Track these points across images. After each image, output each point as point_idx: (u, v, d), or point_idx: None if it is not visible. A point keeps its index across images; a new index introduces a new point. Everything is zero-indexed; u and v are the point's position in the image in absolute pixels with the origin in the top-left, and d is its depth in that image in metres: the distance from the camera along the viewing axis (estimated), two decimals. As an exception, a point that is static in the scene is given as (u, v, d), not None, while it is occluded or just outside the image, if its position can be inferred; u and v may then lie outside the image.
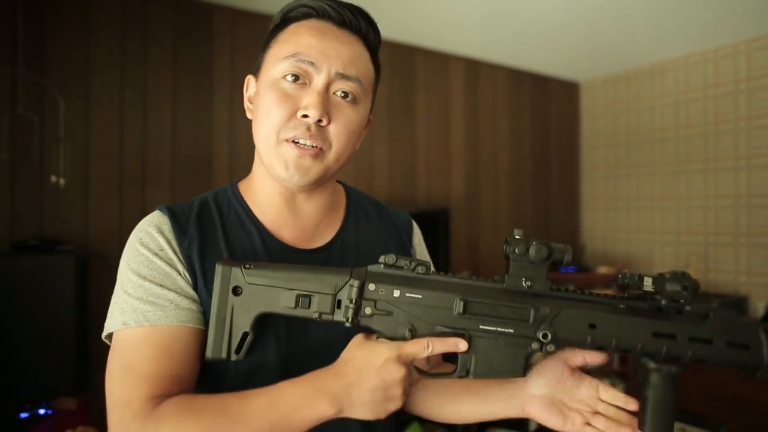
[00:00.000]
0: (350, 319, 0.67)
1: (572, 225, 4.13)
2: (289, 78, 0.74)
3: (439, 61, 3.44)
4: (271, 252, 0.78)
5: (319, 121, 0.73)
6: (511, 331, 0.66)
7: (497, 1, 2.66)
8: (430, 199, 3.38)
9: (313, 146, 0.74)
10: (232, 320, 0.68)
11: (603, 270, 3.49)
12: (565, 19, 2.88)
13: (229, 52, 2.70)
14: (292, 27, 0.77)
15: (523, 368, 0.68)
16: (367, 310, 0.67)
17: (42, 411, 1.84)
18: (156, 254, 0.72)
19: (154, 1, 2.50)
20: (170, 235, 0.74)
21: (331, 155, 0.76)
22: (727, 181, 3.28)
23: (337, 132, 0.75)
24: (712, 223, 3.35)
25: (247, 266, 0.68)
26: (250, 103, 0.82)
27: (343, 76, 0.75)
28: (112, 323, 0.70)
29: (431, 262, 0.83)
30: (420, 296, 0.67)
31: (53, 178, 2.21)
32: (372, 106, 0.84)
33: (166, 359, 0.67)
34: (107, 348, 0.72)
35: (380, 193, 3.17)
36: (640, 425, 0.69)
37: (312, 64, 0.73)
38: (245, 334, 0.68)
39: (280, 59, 0.74)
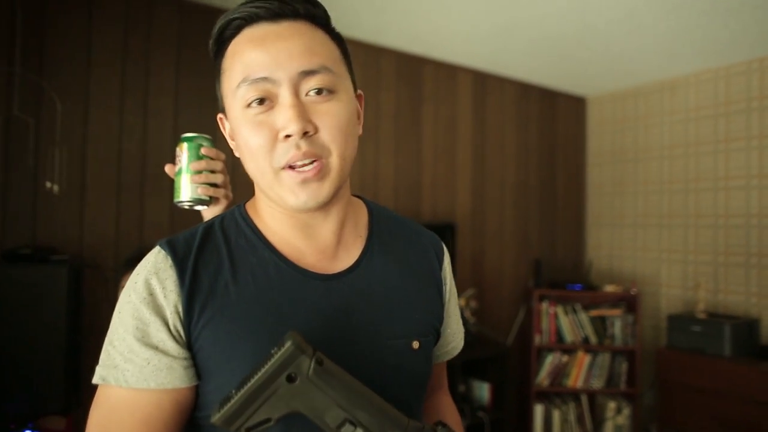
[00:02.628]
0: None
1: (578, 242, 4.06)
2: (254, 104, 0.65)
3: (447, 72, 3.38)
4: (286, 281, 0.69)
5: (306, 133, 0.64)
6: None
7: (507, 14, 2.61)
8: (435, 214, 3.30)
9: (311, 162, 0.65)
10: (266, 402, 0.57)
11: (609, 288, 3.42)
12: (576, 33, 2.83)
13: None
14: (230, 48, 0.69)
15: None
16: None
17: (28, 431, 1.74)
18: (144, 299, 0.65)
19: (158, 3, 2.43)
20: (165, 275, 0.66)
21: (334, 160, 0.67)
22: (738, 200, 3.23)
23: (329, 135, 0.66)
24: (721, 242, 3.29)
25: (319, 361, 0.58)
26: (233, 140, 0.74)
27: (307, 73, 0.65)
28: (96, 373, 0.66)
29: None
30: None
31: (48, 184, 2.11)
32: (353, 79, 0.74)
33: (143, 429, 0.63)
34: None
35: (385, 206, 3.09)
36: None
37: (266, 79, 0.64)
38: (267, 420, 0.58)
39: (233, 90, 0.67)
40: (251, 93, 0.65)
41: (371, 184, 3.06)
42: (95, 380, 0.65)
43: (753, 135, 3.17)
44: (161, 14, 2.44)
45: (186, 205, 1.02)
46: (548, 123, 3.90)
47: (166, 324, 0.65)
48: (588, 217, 4.11)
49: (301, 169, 0.65)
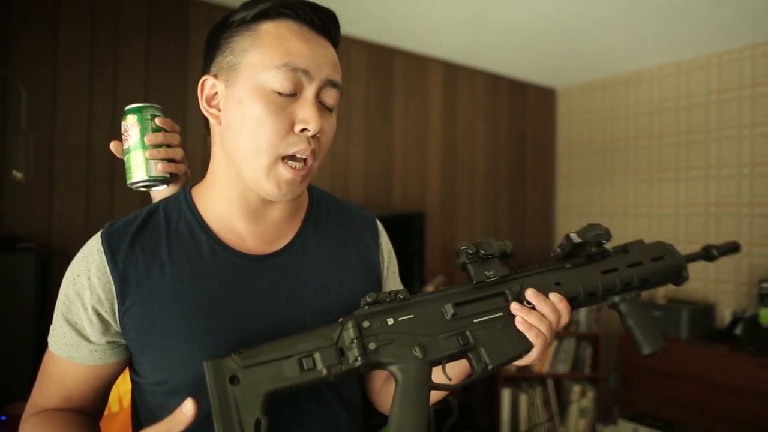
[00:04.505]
0: (359, 357, 0.65)
1: (547, 231, 4.16)
2: (283, 90, 0.69)
3: (418, 63, 3.43)
4: (220, 261, 0.74)
5: (317, 133, 0.71)
6: (501, 313, 0.73)
7: (478, 5, 2.66)
8: (405, 203, 3.36)
9: (304, 159, 0.71)
10: (239, 411, 0.60)
11: (576, 276, 3.51)
12: (544, 26, 2.90)
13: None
14: (269, 28, 0.71)
15: (528, 340, 0.72)
16: (371, 345, 0.66)
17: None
18: (72, 280, 0.73)
19: (127, -8, 2.43)
20: (92, 258, 0.72)
21: (315, 165, 0.74)
22: (697, 190, 3.34)
23: (324, 142, 0.74)
24: (682, 231, 3.41)
25: (239, 352, 0.63)
26: (211, 107, 0.74)
27: (331, 83, 0.73)
28: None
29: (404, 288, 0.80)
30: (412, 315, 0.70)
31: (14, 172, 2.11)
32: None
33: (58, 383, 0.75)
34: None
35: (355, 196, 3.13)
36: (639, 347, 0.78)
37: (305, 72, 0.70)
38: (258, 422, 0.60)
39: (268, 67, 0.69)
40: (287, 79, 0.69)
41: (341, 173, 3.10)
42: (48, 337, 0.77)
43: (711, 128, 3.28)
44: (130, 5, 2.44)
45: (142, 186, 0.89)
46: (518, 114, 3.98)
47: (84, 306, 0.72)
48: (557, 207, 4.21)
49: (294, 164, 0.71)
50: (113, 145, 0.93)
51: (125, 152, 0.88)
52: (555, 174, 4.23)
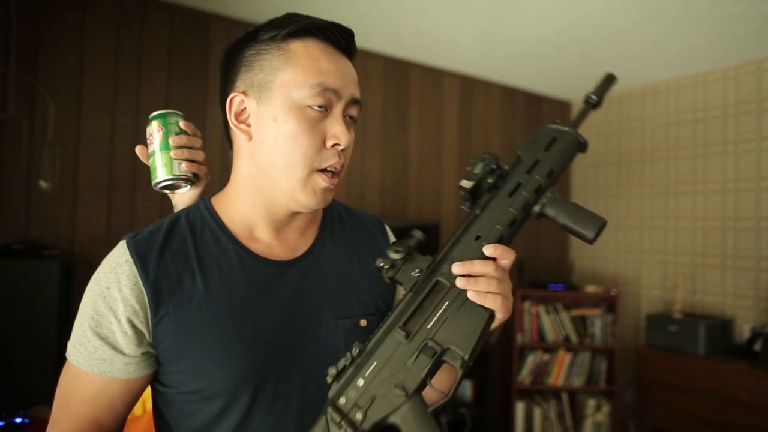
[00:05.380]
0: None
1: (561, 243, 4.15)
2: (316, 107, 0.73)
3: (434, 76, 3.46)
4: (248, 268, 0.77)
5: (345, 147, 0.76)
6: (447, 302, 0.69)
7: (493, 19, 2.69)
8: (421, 214, 3.38)
9: (335, 172, 0.76)
10: None
11: (591, 289, 3.50)
12: (560, 39, 2.92)
13: (224, 60, 2.69)
14: (300, 48, 0.74)
15: (483, 308, 0.69)
16: (358, 416, 0.65)
17: (18, 420, 1.80)
18: (101, 293, 0.72)
19: (150, 7, 2.50)
20: (121, 270, 0.72)
21: (342, 174, 0.79)
22: (715, 203, 3.32)
23: (347, 156, 0.78)
24: (699, 244, 3.38)
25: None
26: (240, 122, 0.77)
27: (356, 102, 0.77)
28: (67, 346, 0.75)
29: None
30: (375, 362, 0.68)
31: (41, 182, 2.18)
32: None
33: (89, 402, 0.73)
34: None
35: (371, 207, 3.16)
36: (583, 237, 0.72)
37: (335, 92, 0.74)
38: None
39: (302, 86, 0.72)
40: (320, 97, 0.73)
41: (357, 184, 3.13)
42: (66, 352, 0.75)
43: (729, 140, 3.26)
44: (154, 18, 2.51)
45: (166, 185, 0.91)
46: (533, 127, 3.99)
47: (118, 319, 0.71)
48: (572, 219, 4.19)
49: (327, 175, 0.75)
50: (139, 150, 0.96)
51: (150, 155, 0.91)
52: (570, 186, 4.22)
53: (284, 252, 0.81)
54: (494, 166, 0.76)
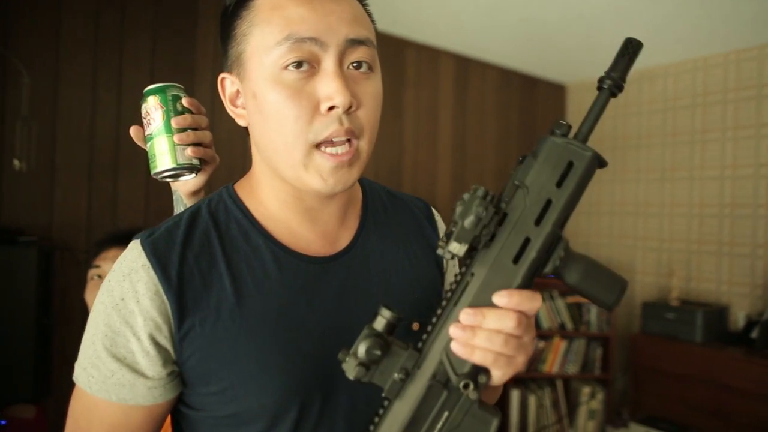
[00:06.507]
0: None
1: (554, 229, 4.10)
2: (292, 67, 0.58)
3: (430, 56, 3.34)
4: (284, 267, 0.64)
5: (349, 107, 0.59)
6: (447, 412, 0.56)
7: (496, -5, 2.58)
8: (415, 198, 3.28)
9: (347, 140, 0.60)
10: None
11: (586, 275, 3.46)
12: (561, 20, 2.82)
13: (214, 35, 2.53)
14: (263, 2, 0.60)
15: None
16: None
17: (-4, 420, 1.67)
18: (115, 305, 0.59)
19: (133, -26, 2.32)
20: (138, 277, 0.59)
21: (364, 144, 0.63)
22: (712, 190, 3.29)
23: (367, 115, 0.62)
24: (695, 231, 3.35)
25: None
26: (236, 107, 0.66)
27: (354, 42, 0.60)
28: (75, 368, 0.63)
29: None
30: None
31: (15, 162, 2.01)
32: None
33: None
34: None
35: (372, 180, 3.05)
36: (601, 304, 0.59)
37: (314, 40, 0.58)
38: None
39: (269, 47, 0.58)
40: (293, 53, 0.58)
41: (352, 167, 3.01)
42: (74, 376, 0.62)
43: (728, 126, 3.22)
44: (136, -14, 2.33)
45: (169, 176, 0.80)
46: (529, 110, 3.90)
47: (137, 336, 0.59)
48: (565, 205, 4.14)
49: (334, 150, 0.60)
50: (134, 131, 0.83)
51: (148, 139, 0.79)
52: (564, 171, 4.16)
53: (323, 246, 0.68)
54: (493, 211, 0.54)
